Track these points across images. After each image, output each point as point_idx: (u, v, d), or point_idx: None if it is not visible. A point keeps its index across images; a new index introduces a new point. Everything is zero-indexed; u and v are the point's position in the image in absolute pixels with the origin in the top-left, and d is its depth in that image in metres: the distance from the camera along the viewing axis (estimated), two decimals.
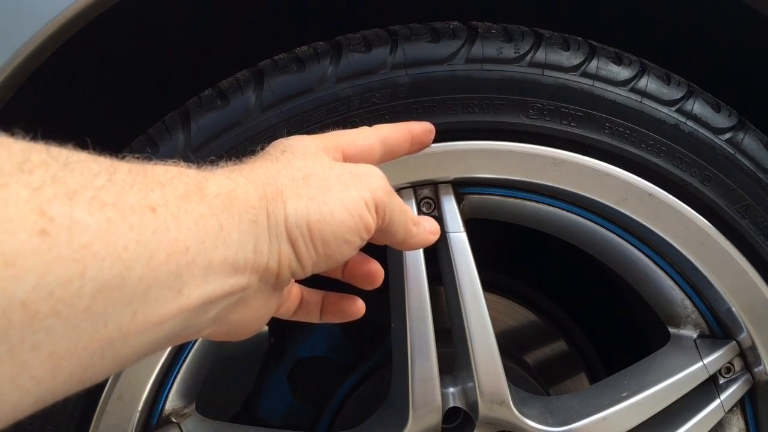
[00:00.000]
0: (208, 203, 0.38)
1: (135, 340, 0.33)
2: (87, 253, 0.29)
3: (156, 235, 0.33)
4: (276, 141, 0.51)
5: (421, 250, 0.71)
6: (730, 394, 0.81)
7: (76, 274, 0.29)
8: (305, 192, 0.44)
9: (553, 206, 0.75)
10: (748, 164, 0.73)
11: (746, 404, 0.84)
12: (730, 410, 0.83)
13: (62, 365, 0.29)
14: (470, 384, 0.74)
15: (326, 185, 0.46)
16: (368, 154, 0.55)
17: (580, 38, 0.71)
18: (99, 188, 0.32)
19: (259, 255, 0.41)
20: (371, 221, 0.47)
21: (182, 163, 0.41)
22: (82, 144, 0.35)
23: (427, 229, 0.57)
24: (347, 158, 0.53)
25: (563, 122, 0.69)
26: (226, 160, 0.47)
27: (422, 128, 0.62)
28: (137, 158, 0.38)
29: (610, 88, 0.69)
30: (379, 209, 0.48)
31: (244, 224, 0.40)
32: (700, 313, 0.81)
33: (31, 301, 0.27)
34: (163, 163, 0.39)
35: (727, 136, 0.72)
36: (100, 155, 0.35)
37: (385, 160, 0.58)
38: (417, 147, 0.62)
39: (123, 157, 0.37)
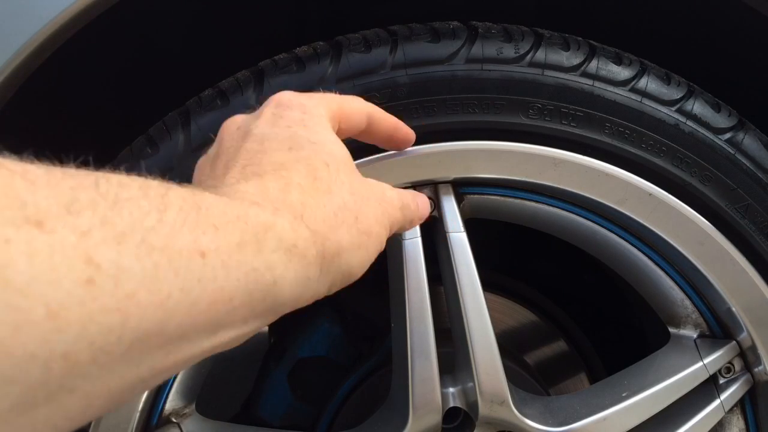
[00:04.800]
0: (264, 258, 0.37)
1: (166, 374, 0.33)
2: (131, 303, 0.28)
3: (201, 284, 0.32)
4: (294, 115, 0.49)
5: (421, 250, 0.71)
6: (730, 394, 0.81)
7: (117, 323, 0.28)
8: (357, 241, 0.46)
9: (553, 206, 0.75)
10: (748, 164, 0.73)
11: (746, 404, 0.84)
12: (730, 410, 0.83)
13: (94, 404, 0.29)
14: (470, 384, 0.74)
15: (369, 229, 0.47)
16: (355, 128, 0.56)
17: (580, 38, 0.71)
18: (148, 230, 0.30)
19: (301, 297, 0.42)
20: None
21: (239, 200, 0.39)
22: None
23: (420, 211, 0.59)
24: (338, 131, 0.53)
25: (563, 122, 0.69)
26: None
27: (407, 132, 0.63)
28: (187, 189, 0.36)
29: (610, 88, 0.69)
30: (391, 230, 0.52)
31: (299, 279, 0.40)
32: (700, 313, 0.81)
33: (73, 353, 0.26)
34: (217, 197, 0.37)
35: (727, 136, 0.72)
36: (151, 182, 0.33)
37: (359, 138, 0.58)
38: (392, 145, 0.63)
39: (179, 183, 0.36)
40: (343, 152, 0.49)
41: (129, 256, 0.29)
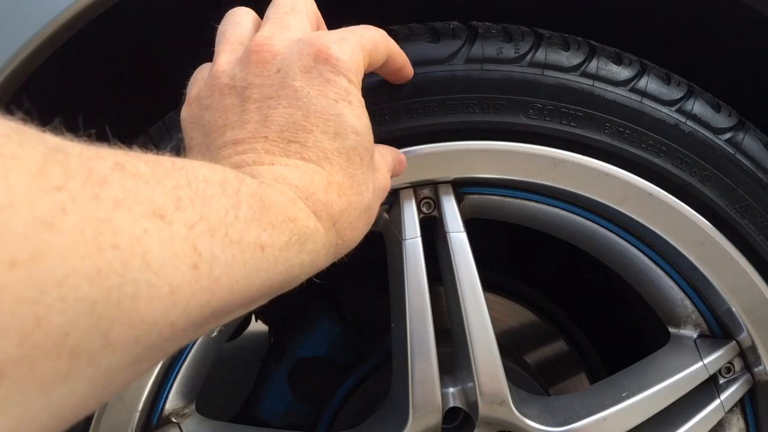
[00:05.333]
0: (301, 257, 0.43)
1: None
2: (216, 286, 0.34)
3: (258, 274, 0.38)
4: (341, 84, 0.48)
5: (421, 250, 0.71)
6: (730, 394, 0.81)
7: (205, 301, 0.34)
8: (364, 233, 0.51)
9: (553, 206, 0.75)
10: (748, 164, 0.73)
11: (746, 404, 0.84)
12: (730, 410, 0.83)
13: (167, 356, 0.37)
14: (470, 384, 0.74)
15: (370, 219, 0.52)
16: (373, 68, 0.56)
17: (580, 38, 0.71)
18: (229, 225, 0.36)
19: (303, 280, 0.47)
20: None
21: (290, 197, 0.43)
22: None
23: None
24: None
25: (563, 122, 0.69)
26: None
27: (411, 69, 0.63)
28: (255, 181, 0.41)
29: (610, 88, 0.69)
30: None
31: (313, 272, 0.47)
32: (700, 313, 0.81)
33: (177, 322, 0.32)
34: (274, 191, 0.42)
35: (727, 136, 0.72)
36: (228, 176, 0.38)
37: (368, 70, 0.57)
38: (395, 79, 0.64)
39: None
40: (372, 141, 0.51)
41: (218, 246, 0.34)
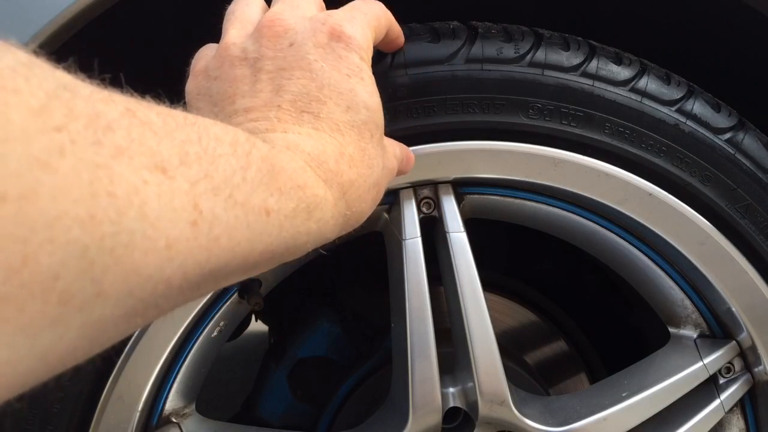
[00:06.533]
0: (308, 225, 0.42)
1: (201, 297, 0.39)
2: (215, 245, 0.34)
3: (261, 238, 0.38)
4: (353, 60, 0.49)
5: (421, 250, 0.71)
6: (730, 394, 0.81)
7: (203, 260, 0.33)
8: (370, 209, 0.51)
9: (553, 206, 0.75)
10: (748, 164, 0.73)
11: (746, 404, 0.84)
12: (730, 410, 0.83)
13: (157, 317, 0.35)
14: (470, 384, 0.74)
15: (378, 196, 0.52)
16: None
17: (580, 38, 0.71)
18: (235, 187, 0.35)
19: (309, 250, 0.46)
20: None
21: (300, 165, 0.43)
22: None
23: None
24: None
25: (563, 122, 0.69)
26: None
27: (403, 38, 0.64)
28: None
29: (610, 88, 0.69)
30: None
31: (319, 242, 0.46)
32: (700, 313, 0.81)
33: (172, 278, 0.31)
34: (286, 157, 0.42)
35: (727, 136, 0.72)
36: (239, 137, 0.38)
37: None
38: (389, 49, 0.65)
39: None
40: (382, 119, 0.52)
41: (221, 206, 0.34)
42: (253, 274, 0.41)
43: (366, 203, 0.50)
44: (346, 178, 0.47)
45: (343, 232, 0.50)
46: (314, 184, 0.43)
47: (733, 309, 0.77)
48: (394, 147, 0.59)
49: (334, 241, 0.49)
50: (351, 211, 0.48)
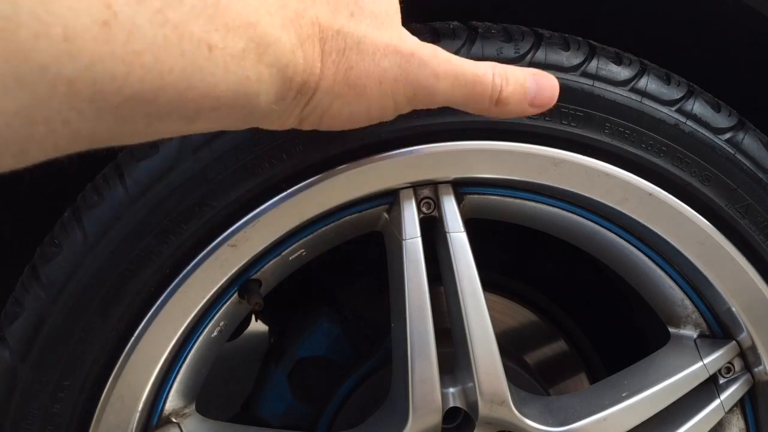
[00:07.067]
0: (259, 69, 0.38)
1: (137, 140, 0.36)
2: (136, 61, 0.30)
3: (201, 73, 0.34)
4: None
5: (421, 250, 0.71)
6: (730, 394, 0.81)
7: (121, 74, 0.30)
8: (342, 90, 0.45)
9: (553, 206, 0.75)
10: (748, 164, 0.73)
11: (746, 404, 0.84)
12: (730, 410, 0.83)
13: (79, 141, 0.32)
14: (470, 384, 0.74)
15: (361, 83, 0.46)
16: None
17: (580, 38, 0.71)
18: (168, 4, 0.32)
19: (270, 116, 0.42)
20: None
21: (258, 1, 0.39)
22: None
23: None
24: None
25: (563, 122, 0.69)
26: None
27: None
28: None
29: (610, 88, 0.69)
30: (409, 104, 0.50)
31: (277, 99, 0.41)
32: (700, 313, 0.81)
33: (77, 81, 0.28)
34: None
35: (727, 136, 0.72)
36: None
37: None
38: None
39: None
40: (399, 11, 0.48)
41: (144, 18, 0.30)
42: (198, 126, 0.38)
43: (339, 75, 0.44)
44: (307, 20, 0.41)
45: (312, 113, 0.44)
46: (268, 23, 0.38)
47: (733, 309, 0.77)
48: (517, 74, 0.51)
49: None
50: (313, 75, 0.42)
